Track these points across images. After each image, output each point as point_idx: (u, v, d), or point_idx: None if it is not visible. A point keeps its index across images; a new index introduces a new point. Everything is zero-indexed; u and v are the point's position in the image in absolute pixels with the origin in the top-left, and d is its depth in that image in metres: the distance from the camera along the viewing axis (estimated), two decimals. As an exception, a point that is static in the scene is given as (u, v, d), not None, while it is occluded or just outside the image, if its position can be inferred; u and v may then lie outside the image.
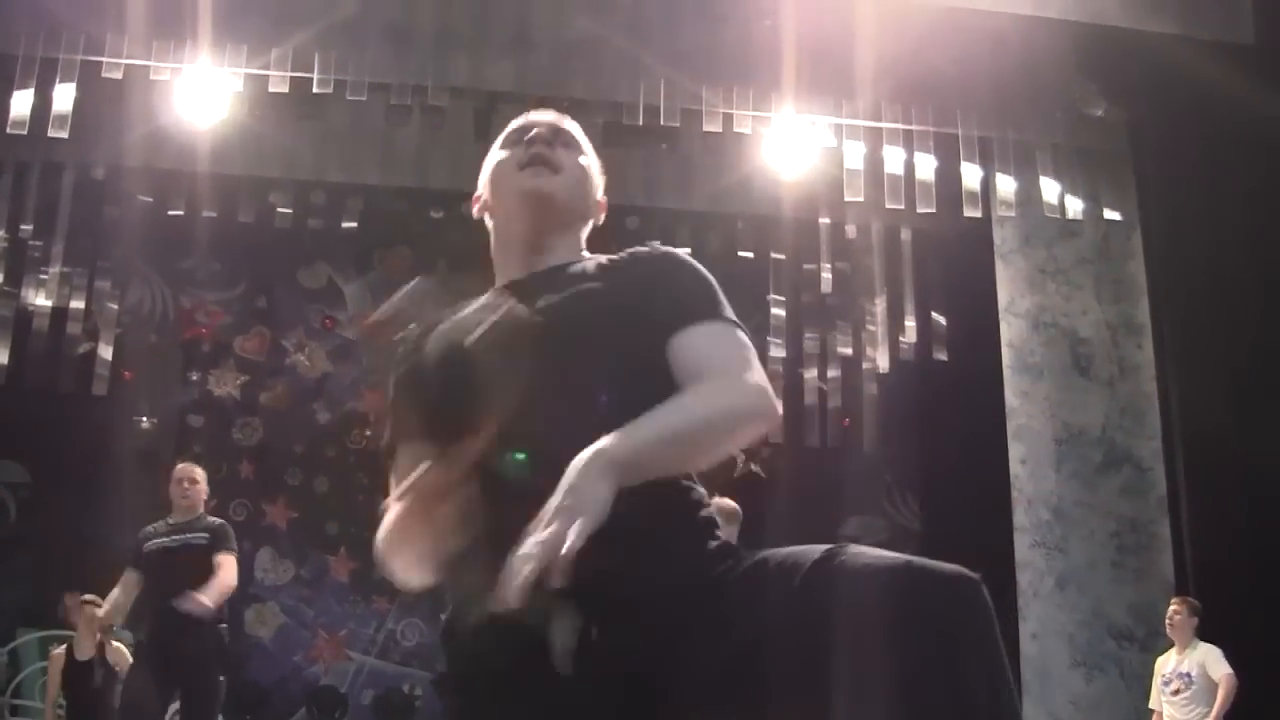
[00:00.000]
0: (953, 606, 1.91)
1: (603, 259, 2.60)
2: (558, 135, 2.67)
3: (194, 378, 13.84)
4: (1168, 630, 9.93)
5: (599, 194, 2.74)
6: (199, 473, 9.00)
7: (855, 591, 1.94)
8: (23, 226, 11.81)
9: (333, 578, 13.53)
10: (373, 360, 2.62)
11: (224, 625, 8.71)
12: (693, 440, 2.29)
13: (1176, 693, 9.77)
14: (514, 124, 2.74)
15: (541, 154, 2.62)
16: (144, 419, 13.51)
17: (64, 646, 10.07)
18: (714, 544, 2.32)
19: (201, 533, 8.65)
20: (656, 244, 2.63)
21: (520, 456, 2.26)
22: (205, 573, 8.39)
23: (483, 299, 2.53)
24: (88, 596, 9.88)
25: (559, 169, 2.62)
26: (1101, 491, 11.49)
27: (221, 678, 8.68)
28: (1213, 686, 9.59)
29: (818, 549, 2.05)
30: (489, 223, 2.74)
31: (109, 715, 9.81)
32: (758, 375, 2.39)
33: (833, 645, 1.90)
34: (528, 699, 2.20)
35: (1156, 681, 9.98)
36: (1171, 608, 9.96)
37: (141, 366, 13.56)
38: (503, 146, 2.70)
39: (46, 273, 12.26)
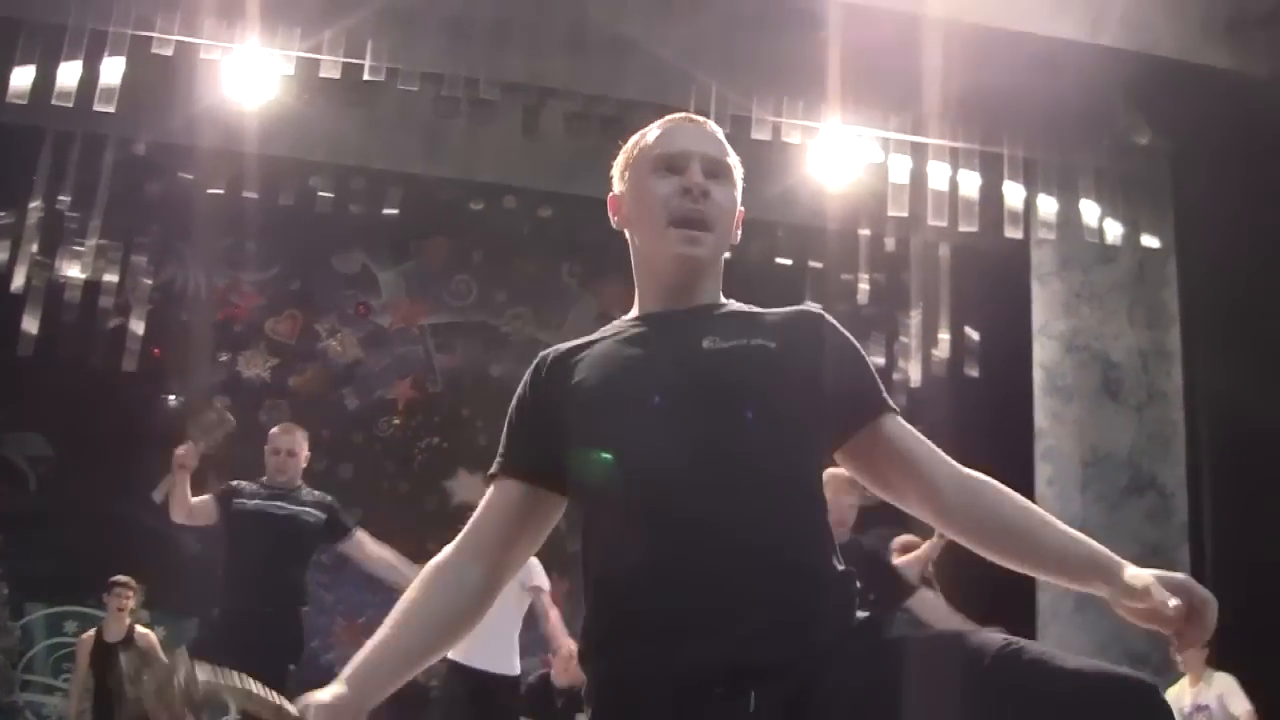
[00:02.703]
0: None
1: (751, 308, 2.63)
2: (713, 170, 2.61)
3: (224, 358, 13.86)
4: (1179, 664, 9.83)
5: (738, 205, 2.70)
6: (300, 439, 8.24)
7: (1043, 695, 2.00)
8: (60, 197, 11.82)
9: (353, 564, 13.51)
10: None
11: (306, 609, 8.17)
12: None
13: None
14: (665, 139, 2.66)
15: (698, 213, 2.56)
16: (171, 397, 13.52)
17: (94, 629, 10.05)
18: (861, 616, 2.37)
19: (315, 509, 8.00)
20: (814, 308, 2.67)
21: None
22: (306, 550, 8.01)
23: (627, 328, 2.60)
24: (119, 578, 9.85)
25: (712, 225, 2.57)
26: (1125, 515, 11.53)
27: (292, 666, 7.86)
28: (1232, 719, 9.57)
29: (994, 639, 2.09)
30: (626, 233, 2.72)
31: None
32: None
33: None
34: None
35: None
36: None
37: (172, 344, 13.57)
38: (654, 167, 2.62)
39: (82, 245, 12.27)
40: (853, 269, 12.76)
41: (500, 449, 2.63)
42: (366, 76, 10.26)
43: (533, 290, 14.80)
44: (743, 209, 2.70)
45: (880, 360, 13.36)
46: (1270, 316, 10.49)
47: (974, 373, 12.93)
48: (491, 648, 8.55)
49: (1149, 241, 11.85)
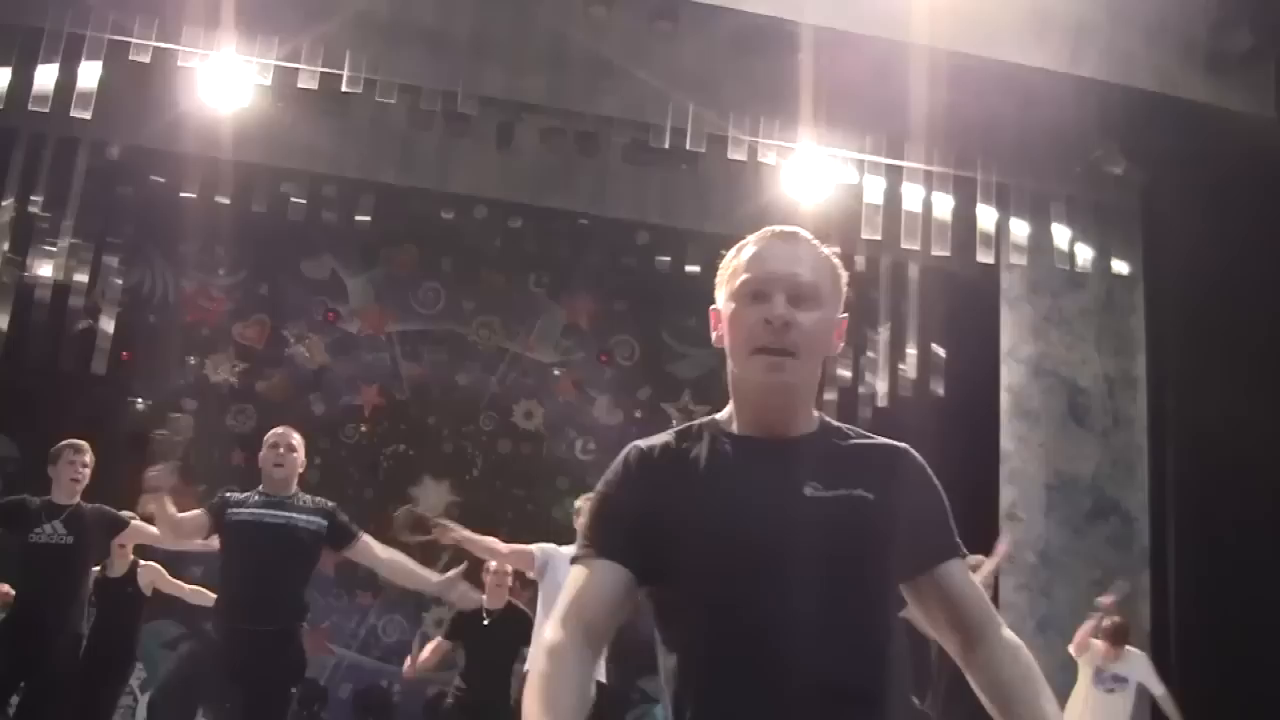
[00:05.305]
0: None
1: (847, 442, 2.69)
2: (799, 297, 2.60)
3: (191, 362, 13.86)
4: (1107, 632, 10.08)
5: (837, 316, 2.70)
6: (297, 439, 7.70)
7: None
8: (33, 197, 11.77)
9: (318, 570, 13.52)
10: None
11: (305, 625, 7.71)
12: None
13: (1111, 691, 10.12)
14: (754, 263, 2.65)
15: (779, 344, 2.57)
16: (138, 400, 13.51)
17: (100, 566, 9.80)
18: None
19: (314, 515, 7.50)
20: (904, 447, 2.72)
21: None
22: (308, 561, 7.54)
23: (727, 450, 2.65)
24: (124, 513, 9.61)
25: (797, 352, 2.58)
26: (1089, 540, 11.64)
27: (294, 689, 7.66)
28: (1145, 694, 10.17)
29: None
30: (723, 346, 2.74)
31: (134, 632, 9.84)
32: None
33: None
34: None
35: (1091, 673, 10.19)
36: (1113, 613, 10.19)
37: (140, 347, 13.57)
38: (741, 293, 2.64)
39: (54, 246, 12.24)
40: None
41: (592, 534, 2.63)
42: (345, 88, 10.23)
43: (500, 300, 14.88)
44: (845, 316, 2.73)
45: (848, 373, 13.50)
46: (1235, 346, 10.58)
47: (940, 390, 13.02)
48: None
49: (1118, 268, 11.97)
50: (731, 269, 2.70)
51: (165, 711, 7.55)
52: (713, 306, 2.74)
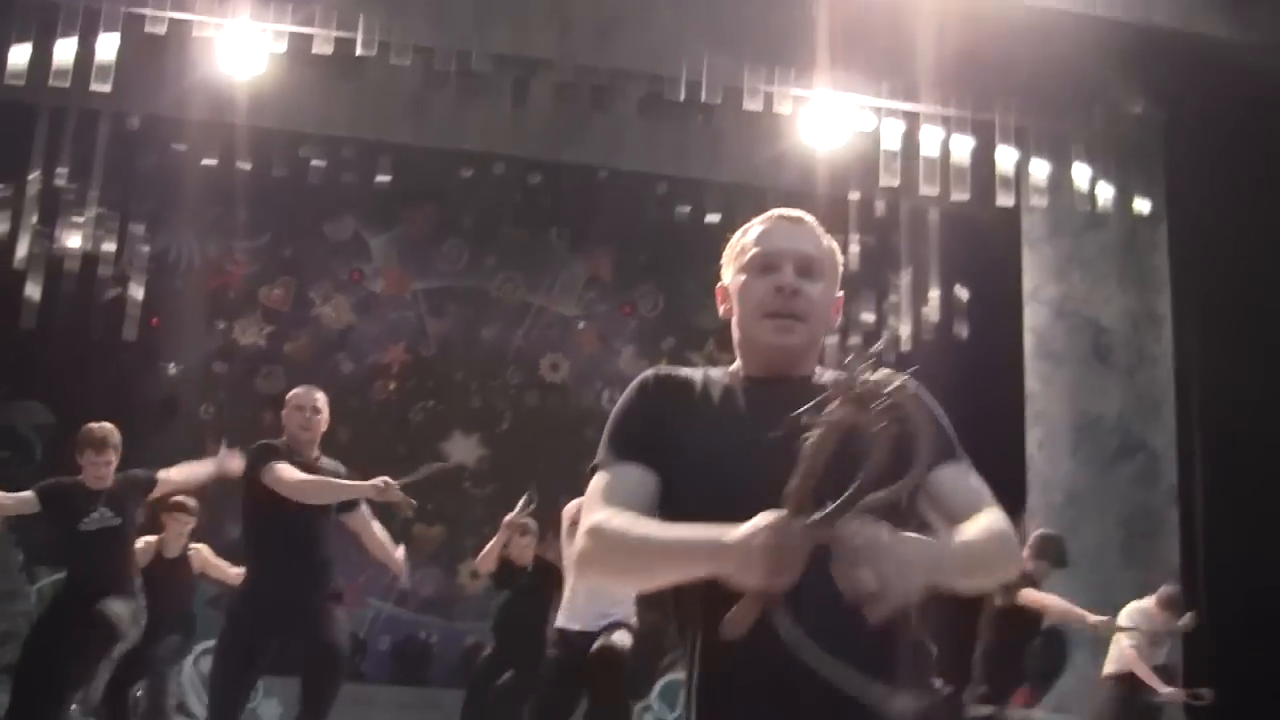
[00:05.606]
0: None
1: None
2: (806, 269, 2.77)
3: (220, 326, 13.99)
4: (1164, 601, 10.20)
5: (835, 293, 2.87)
6: (321, 398, 7.67)
7: None
8: (59, 170, 11.87)
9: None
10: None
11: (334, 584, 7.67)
12: (983, 571, 2.55)
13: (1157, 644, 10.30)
14: (762, 239, 2.80)
15: (788, 309, 2.73)
16: (170, 365, 13.63)
17: (156, 539, 9.86)
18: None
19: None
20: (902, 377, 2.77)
21: None
22: (334, 523, 7.56)
23: (735, 389, 2.78)
24: (179, 499, 9.67)
25: (804, 317, 2.74)
26: (1115, 479, 11.64)
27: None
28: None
29: None
30: (732, 321, 2.87)
31: (190, 607, 10.31)
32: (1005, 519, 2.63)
33: None
34: None
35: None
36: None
37: (168, 313, 13.69)
38: (751, 267, 2.79)
39: (80, 217, 12.34)
40: (842, 232, 12.77)
41: (613, 442, 2.76)
42: (359, 51, 10.27)
43: (522, 255, 14.97)
44: (842, 294, 2.91)
45: (871, 316, 13.53)
46: (1261, 280, 10.58)
47: (963, 332, 13.01)
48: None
49: (1140, 207, 11.90)
50: (740, 247, 2.86)
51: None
52: (719, 284, 2.91)
